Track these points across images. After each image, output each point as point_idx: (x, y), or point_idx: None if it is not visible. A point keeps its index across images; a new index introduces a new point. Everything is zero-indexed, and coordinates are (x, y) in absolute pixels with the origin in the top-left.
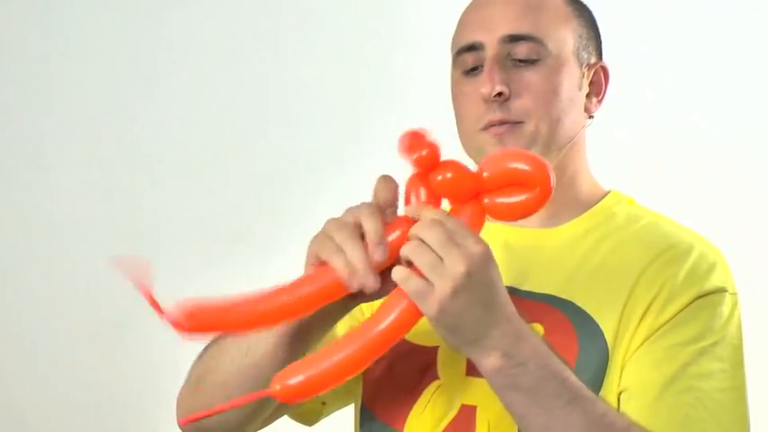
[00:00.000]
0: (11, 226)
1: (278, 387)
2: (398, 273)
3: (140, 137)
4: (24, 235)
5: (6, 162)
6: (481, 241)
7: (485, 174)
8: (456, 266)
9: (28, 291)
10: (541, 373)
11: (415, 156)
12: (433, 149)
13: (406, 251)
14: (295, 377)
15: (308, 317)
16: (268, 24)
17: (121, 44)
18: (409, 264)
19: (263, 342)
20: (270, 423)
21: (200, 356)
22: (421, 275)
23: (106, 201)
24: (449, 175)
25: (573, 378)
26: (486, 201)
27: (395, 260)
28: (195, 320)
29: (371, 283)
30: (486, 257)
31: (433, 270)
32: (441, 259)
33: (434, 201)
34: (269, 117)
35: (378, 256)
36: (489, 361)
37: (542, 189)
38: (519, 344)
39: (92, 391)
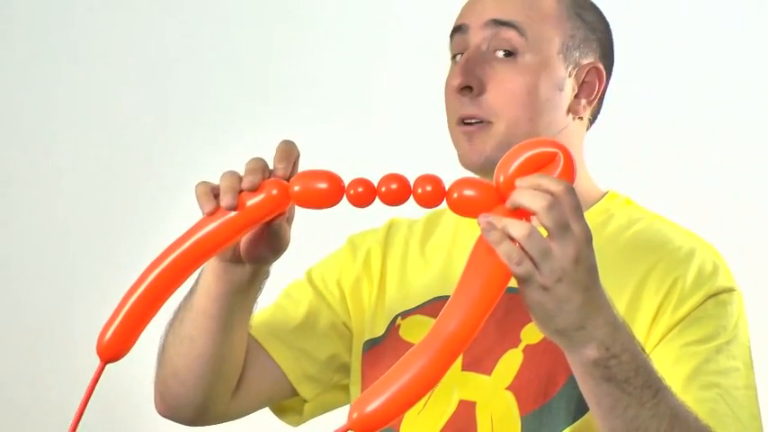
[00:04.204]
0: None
1: (355, 416)
2: (508, 251)
3: (144, 138)
4: (26, 235)
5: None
6: (586, 224)
7: (501, 178)
8: (567, 252)
9: (27, 290)
10: (634, 364)
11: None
12: (436, 183)
13: (519, 234)
14: (372, 403)
15: (222, 290)
16: (270, 21)
17: (123, 46)
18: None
19: (197, 335)
20: (249, 409)
21: (161, 344)
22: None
23: (109, 202)
24: (469, 192)
25: (655, 367)
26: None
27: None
28: (116, 344)
29: (229, 200)
30: (591, 241)
31: (544, 256)
32: (551, 246)
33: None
34: (268, 115)
35: (244, 183)
36: (587, 352)
37: (564, 155)
38: (616, 334)
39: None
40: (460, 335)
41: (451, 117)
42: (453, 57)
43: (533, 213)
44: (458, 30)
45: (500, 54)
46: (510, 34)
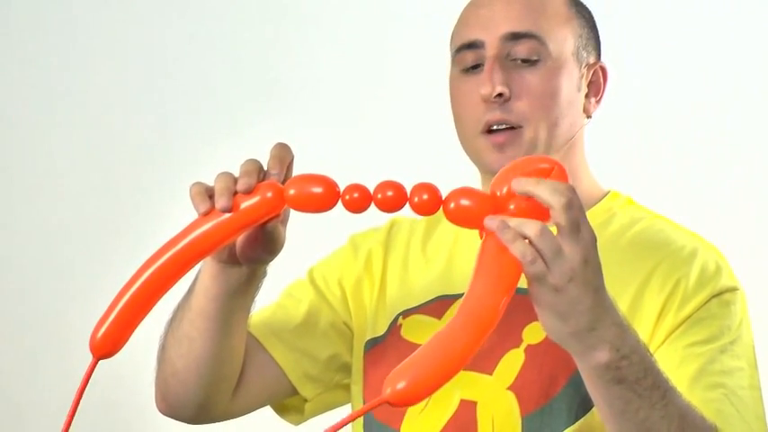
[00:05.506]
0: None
1: (389, 391)
2: (523, 250)
3: (141, 138)
4: (23, 235)
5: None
6: (591, 227)
7: (498, 193)
8: (576, 252)
9: (24, 290)
10: (643, 365)
11: (416, 200)
12: (432, 191)
13: (532, 232)
14: (401, 381)
15: (219, 291)
16: (270, 24)
17: (123, 46)
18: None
19: (196, 335)
20: (250, 407)
21: (161, 344)
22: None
23: (106, 202)
24: (466, 201)
25: (661, 368)
26: (512, 207)
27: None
28: (109, 341)
29: (223, 202)
30: (596, 244)
31: (556, 255)
32: (561, 246)
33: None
34: (266, 116)
35: (240, 185)
36: (599, 355)
37: (558, 169)
38: (624, 335)
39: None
40: (490, 310)
41: (474, 125)
42: (467, 68)
43: (550, 209)
44: (471, 45)
45: (522, 61)
46: (530, 44)
